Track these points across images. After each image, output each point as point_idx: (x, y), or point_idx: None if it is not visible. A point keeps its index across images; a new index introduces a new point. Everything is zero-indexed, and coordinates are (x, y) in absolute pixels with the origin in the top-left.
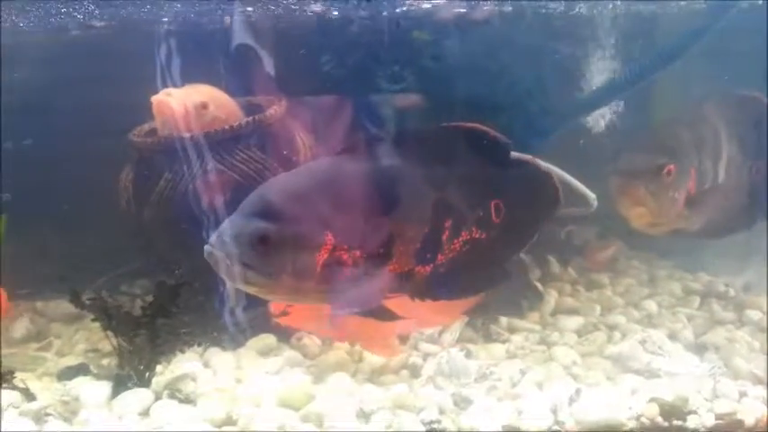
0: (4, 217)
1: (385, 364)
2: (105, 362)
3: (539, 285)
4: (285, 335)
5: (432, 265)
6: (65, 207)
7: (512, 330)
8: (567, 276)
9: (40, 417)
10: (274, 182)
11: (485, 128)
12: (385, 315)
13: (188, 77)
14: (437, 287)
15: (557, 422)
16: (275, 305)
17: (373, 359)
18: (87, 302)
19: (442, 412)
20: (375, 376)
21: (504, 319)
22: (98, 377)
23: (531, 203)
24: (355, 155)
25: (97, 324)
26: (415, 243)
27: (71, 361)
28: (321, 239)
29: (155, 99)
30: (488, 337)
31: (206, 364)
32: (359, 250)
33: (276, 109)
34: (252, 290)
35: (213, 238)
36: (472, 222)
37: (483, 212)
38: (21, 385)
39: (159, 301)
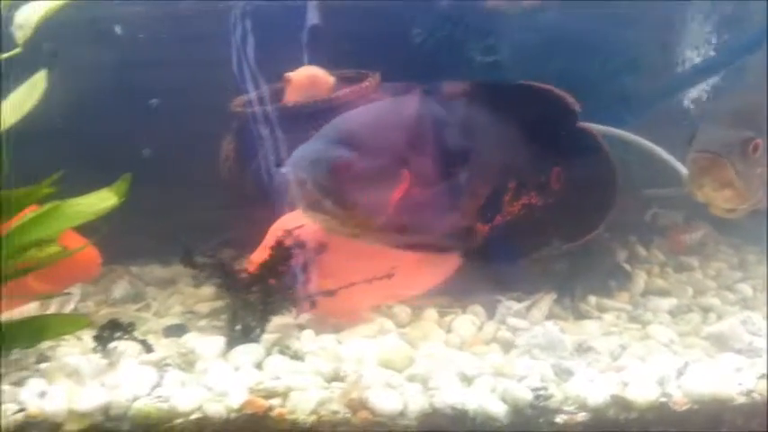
0: (129, 175)
1: (474, 336)
2: (203, 323)
3: (626, 266)
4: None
5: (490, 225)
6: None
7: (601, 309)
8: (655, 258)
9: (160, 366)
10: (357, 113)
11: (558, 90)
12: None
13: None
14: (492, 248)
15: (664, 394)
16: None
17: (462, 330)
18: (200, 262)
19: (544, 381)
20: (465, 347)
21: (592, 299)
22: (202, 334)
23: (587, 178)
24: (435, 99)
25: (190, 288)
26: (480, 198)
27: (170, 321)
28: (398, 175)
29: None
30: (579, 315)
31: (303, 326)
32: (430, 194)
33: (371, 82)
34: (321, 220)
35: (290, 160)
36: (533, 187)
37: (544, 178)
38: (139, 337)
39: (273, 262)
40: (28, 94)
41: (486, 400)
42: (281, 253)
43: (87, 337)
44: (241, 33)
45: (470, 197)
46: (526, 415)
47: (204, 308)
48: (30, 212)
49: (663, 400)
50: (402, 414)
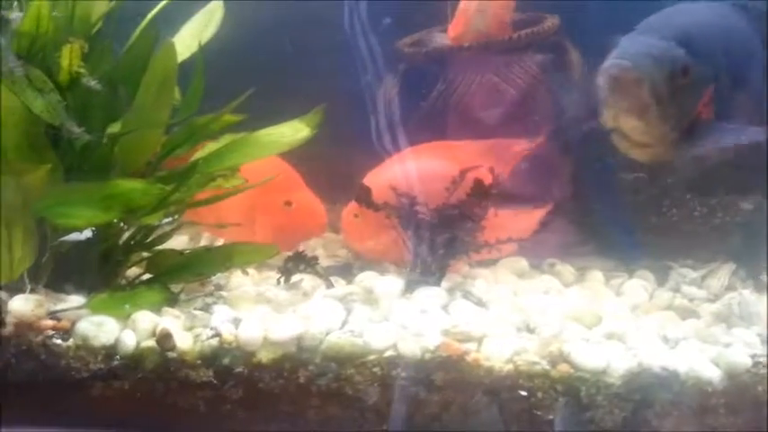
0: (323, 107)
1: (647, 301)
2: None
3: None
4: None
5: None
6: None
7: None
8: None
9: (347, 301)
10: (688, 9)
11: None
12: None
13: None
14: None
15: None
16: None
17: (633, 295)
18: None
19: (752, 348)
20: (640, 312)
21: None
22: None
23: None
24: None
25: (331, 234)
26: None
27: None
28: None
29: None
30: (760, 288)
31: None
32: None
33: (552, 22)
34: (634, 129)
35: (623, 53)
36: None
37: None
38: (321, 271)
39: (464, 207)
40: (205, 23)
41: (698, 364)
42: (477, 195)
43: (252, 270)
44: None
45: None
46: (743, 381)
47: (343, 253)
48: (211, 142)
49: None
50: (604, 371)
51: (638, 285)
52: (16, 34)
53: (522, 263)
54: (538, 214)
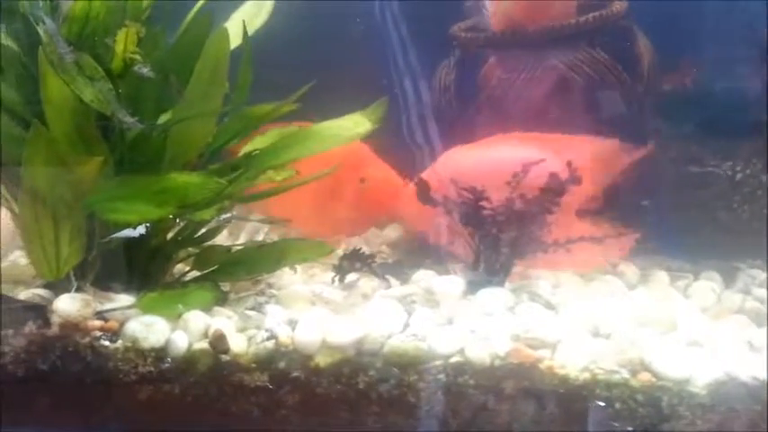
0: (385, 100)
1: (717, 306)
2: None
3: None
4: None
5: None
6: None
7: None
8: None
9: (406, 302)
10: None
11: None
12: None
13: None
14: None
15: None
16: None
17: (701, 298)
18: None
19: None
20: (712, 316)
21: None
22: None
23: None
24: None
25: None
26: None
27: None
28: None
29: None
30: None
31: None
32: None
33: (619, 6)
34: None
35: None
36: None
37: None
38: (377, 270)
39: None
40: (255, 12)
41: None
42: (551, 191)
43: (300, 267)
44: None
45: None
46: None
47: (385, 249)
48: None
49: None
50: (688, 381)
51: (705, 287)
52: (67, 18)
53: None
54: (628, 242)
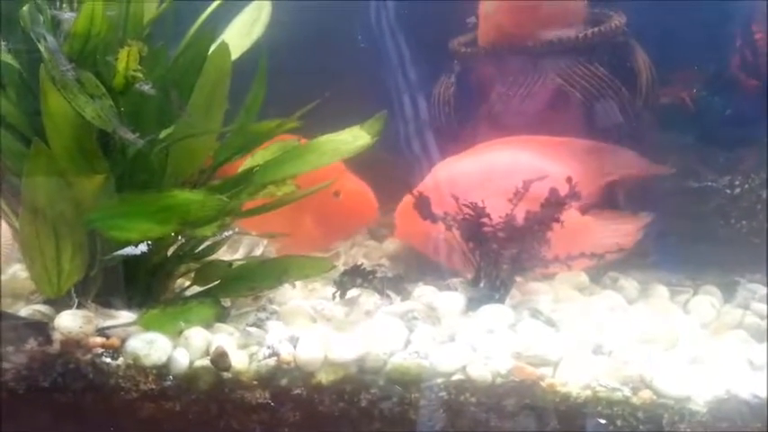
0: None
1: (717, 321)
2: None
3: None
4: (595, 275)
5: None
6: None
7: None
8: None
9: (407, 318)
10: None
11: None
12: None
13: None
14: None
15: None
16: None
17: (701, 312)
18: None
19: None
20: (711, 331)
21: None
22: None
23: None
24: None
25: (372, 242)
26: None
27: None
28: None
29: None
30: None
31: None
32: None
33: (619, 21)
34: None
35: None
36: None
37: None
38: (378, 286)
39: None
40: (251, 22)
41: None
42: (551, 207)
43: (300, 283)
44: None
45: None
46: None
47: (385, 262)
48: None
49: None
50: (689, 398)
51: (705, 302)
52: (69, 35)
53: (582, 277)
54: (642, 220)
